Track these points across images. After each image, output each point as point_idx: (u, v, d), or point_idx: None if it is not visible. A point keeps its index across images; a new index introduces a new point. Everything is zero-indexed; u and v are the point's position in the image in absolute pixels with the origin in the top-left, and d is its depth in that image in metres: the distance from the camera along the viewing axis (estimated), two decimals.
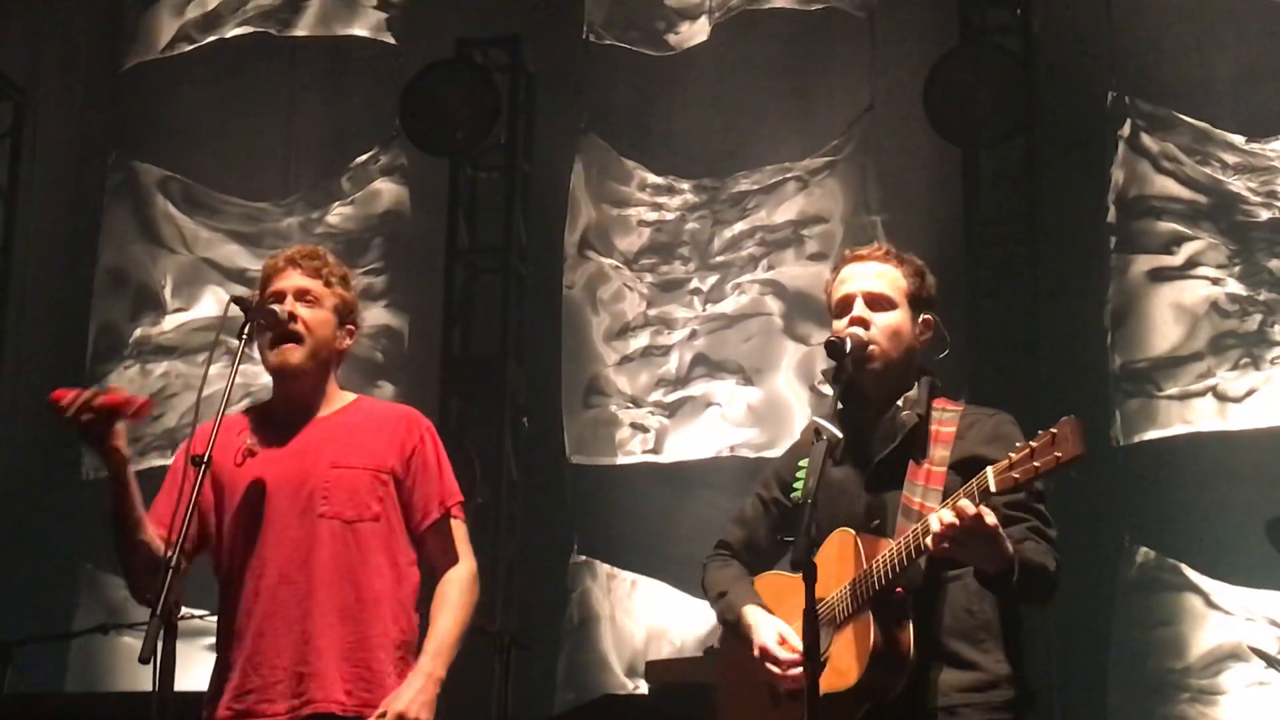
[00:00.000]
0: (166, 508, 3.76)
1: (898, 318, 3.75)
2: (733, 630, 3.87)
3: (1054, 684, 7.57)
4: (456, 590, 3.94)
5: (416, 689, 3.77)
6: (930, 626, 3.55)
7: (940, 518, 3.35)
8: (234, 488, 3.90)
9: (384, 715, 3.74)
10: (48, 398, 3.60)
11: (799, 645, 3.59)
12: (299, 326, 3.90)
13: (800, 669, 3.54)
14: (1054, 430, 3.28)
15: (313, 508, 3.85)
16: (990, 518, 3.33)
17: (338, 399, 4.03)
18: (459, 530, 4.02)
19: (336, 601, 3.81)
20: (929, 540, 3.37)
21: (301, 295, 3.95)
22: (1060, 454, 3.24)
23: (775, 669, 3.65)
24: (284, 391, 4.00)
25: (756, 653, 3.70)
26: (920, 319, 3.79)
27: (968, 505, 3.33)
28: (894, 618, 3.51)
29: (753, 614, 3.78)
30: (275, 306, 3.89)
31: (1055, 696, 7.58)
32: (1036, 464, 3.27)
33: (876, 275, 3.78)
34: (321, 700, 3.75)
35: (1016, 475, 3.30)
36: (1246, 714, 7.65)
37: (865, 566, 3.54)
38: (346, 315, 4.03)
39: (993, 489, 3.33)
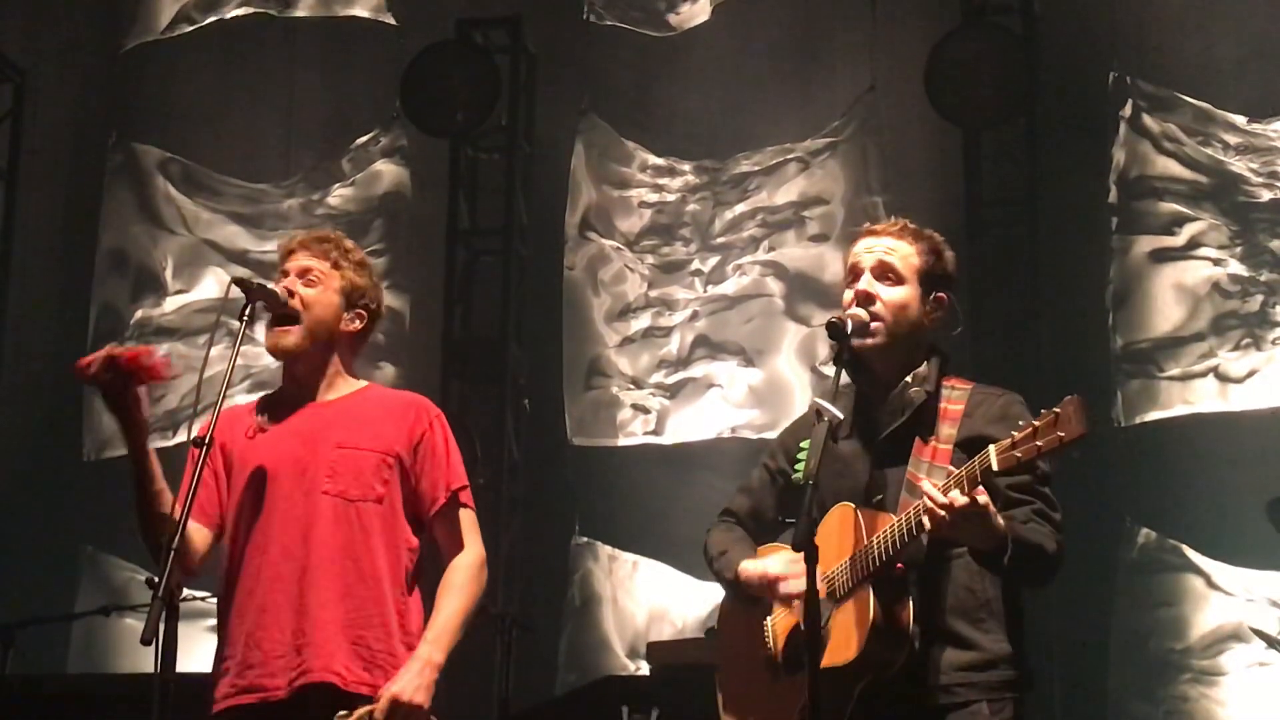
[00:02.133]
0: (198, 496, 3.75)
1: (904, 293, 3.72)
2: (732, 587, 3.86)
3: (1055, 664, 7.58)
4: (462, 577, 3.93)
5: (414, 673, 3.76)
6: (931, 604, 3.54)
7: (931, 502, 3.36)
8: (242, 468, 3.90)
9: (380, 700, 3.72)
10: (74, 366, 3.60)
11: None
12: (295, 303, 3.89)
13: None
14: (1057, 410, 3.27)
15: (316, 485, 3.84)
16: (982, 497, 3.34)
17: (345, 384, 4.02)
18: (467, 517, 4.00)
19: (336, 577, 3.80)
20: (927, 519, 3.37)
21: (304, 274, 3.95)
22: (1063, 434, 3.24)
23: (788, 586, 3.63)
24: (288, 374, 4.01)
25: (766, 584, 3.69)
26: (931, 296, 3.75)
27: (957, 496, 3.33)
28: (894, 593, 3.50)
29: (750, 563, 3.80)
30: (275, 285, 3.88)
31: (1056, 677, 7.59)
32: (1039, 443, 3.27)
33: (887, 250, 3.75)
34: (320, 670, 3.74)
35: (1019, 454, 3.30)
36: (1247, 695, 7.66)
37: (866, 541, 3.53)
38: (355, 298, 4.00)
39: (995, 467, 3.33)
